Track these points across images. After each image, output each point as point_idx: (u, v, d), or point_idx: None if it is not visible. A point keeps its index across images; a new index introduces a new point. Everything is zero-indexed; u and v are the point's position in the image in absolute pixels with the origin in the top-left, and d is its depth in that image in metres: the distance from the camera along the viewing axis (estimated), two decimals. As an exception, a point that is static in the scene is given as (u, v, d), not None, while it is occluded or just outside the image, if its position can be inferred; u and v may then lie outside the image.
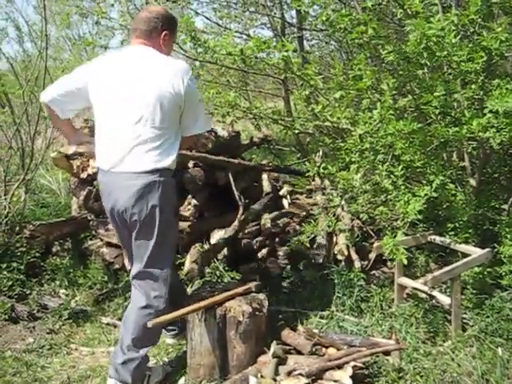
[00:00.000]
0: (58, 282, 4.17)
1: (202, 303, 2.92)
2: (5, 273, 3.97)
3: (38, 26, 5.37)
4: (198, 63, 6.21)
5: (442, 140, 3.34)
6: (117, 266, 4.12)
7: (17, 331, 3.36)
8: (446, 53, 3.05)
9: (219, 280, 3.83)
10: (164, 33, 2.89)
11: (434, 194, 3.15)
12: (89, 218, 4.41)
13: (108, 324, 3.70)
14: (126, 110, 2.75)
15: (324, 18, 3.56)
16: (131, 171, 2.73)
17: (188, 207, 4.15)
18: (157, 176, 2.74)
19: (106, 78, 2.84)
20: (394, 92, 3.35)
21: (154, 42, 2.88)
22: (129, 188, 2.73)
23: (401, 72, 3.50)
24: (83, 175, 4.18)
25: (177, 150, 2.86)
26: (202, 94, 3.43)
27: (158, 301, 2.87)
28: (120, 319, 3.72)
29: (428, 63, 3.20)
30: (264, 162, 5.05)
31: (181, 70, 2.80)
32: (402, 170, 3.23)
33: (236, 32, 6.95)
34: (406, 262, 3.02)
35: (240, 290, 3.08)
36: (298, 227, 4.16)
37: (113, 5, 6.84)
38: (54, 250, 4.51)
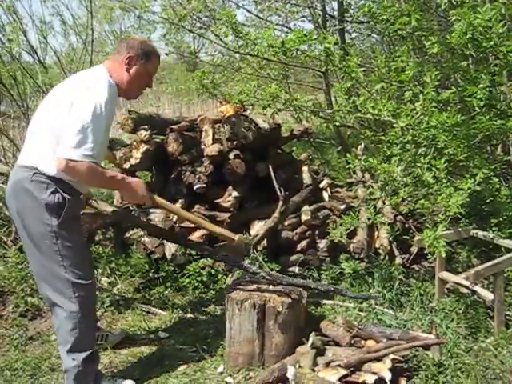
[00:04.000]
0: (100, 271, 4.24)
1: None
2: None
3: (83, 20, 5.49)
4: (238, 56, 6.25)
5: (487, 133, 3.27)
6: (157, 255, 4.18)
7: (61, 316, 3.44)
8: (492, 43, 2.99)
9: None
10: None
11: (478, 188, 3.10)
12: (130, 207, 4.48)
13: (149, 312, 3.77)
14: None
15: (366, 9, 3.54)
16: None
17: (228, 198, 4.19)
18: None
19: None
20: (437, 84, 3.30)
21: None
22: None
23: (444, 64, 3.45)
24: (126, 165, 4.25)
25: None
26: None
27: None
28: (161, 308, 3.80)
29: (473, 54, 3.15)
30: (304, 154, 5.04)
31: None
32: (444, 163, 3.17)
33: (277, 25, 6.95)
34: (444, 254, 2.98)
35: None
36: (338, 219, 4.15)
37: (155, -2, 6.93)
38: (96, 238, 4.61)
